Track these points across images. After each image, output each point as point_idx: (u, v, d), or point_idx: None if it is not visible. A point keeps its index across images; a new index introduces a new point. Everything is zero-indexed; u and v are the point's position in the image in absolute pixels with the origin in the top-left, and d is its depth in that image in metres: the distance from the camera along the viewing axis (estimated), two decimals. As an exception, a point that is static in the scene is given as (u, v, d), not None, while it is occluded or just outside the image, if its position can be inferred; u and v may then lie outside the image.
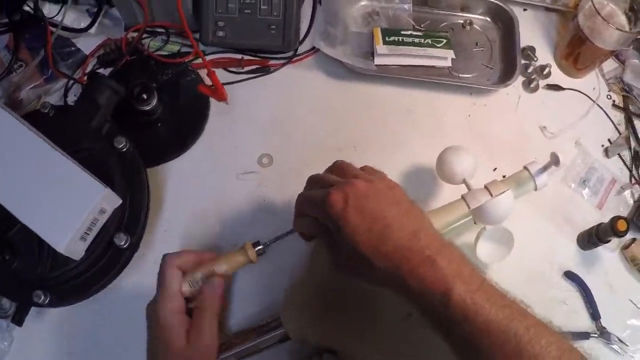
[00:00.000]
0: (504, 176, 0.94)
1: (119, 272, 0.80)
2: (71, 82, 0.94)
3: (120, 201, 0.78)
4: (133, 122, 0.91)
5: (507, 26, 1.02)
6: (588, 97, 1.02)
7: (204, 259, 0.72)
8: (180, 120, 0.94)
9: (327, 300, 0.70)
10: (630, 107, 1.02)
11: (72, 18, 0.95)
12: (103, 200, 0.75)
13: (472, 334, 0.51)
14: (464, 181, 0.79)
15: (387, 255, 0.53)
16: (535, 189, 0.80)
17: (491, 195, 0.74)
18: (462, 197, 0.76)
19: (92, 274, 0.78)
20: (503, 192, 0.74)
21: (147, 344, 0.67)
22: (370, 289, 0.64)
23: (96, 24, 0.96)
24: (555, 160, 0.75)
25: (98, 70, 0.96)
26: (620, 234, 0.86)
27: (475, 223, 0.80)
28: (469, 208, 0.75)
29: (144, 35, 0.97)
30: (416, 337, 0.65)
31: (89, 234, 0.75)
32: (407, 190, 0.89)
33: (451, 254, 0.54)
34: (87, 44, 0.98)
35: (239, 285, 0.84)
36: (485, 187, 0.76)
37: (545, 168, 0.78)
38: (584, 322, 0.90)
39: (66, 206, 0.73)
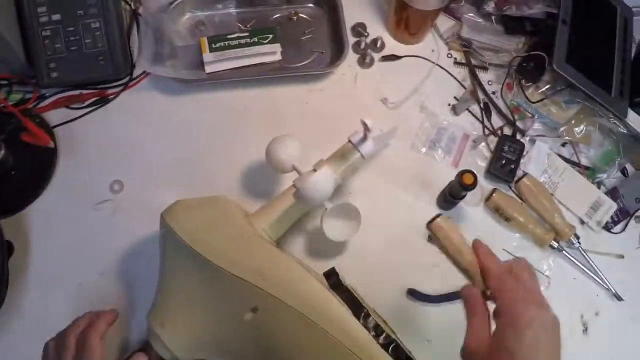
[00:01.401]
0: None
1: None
2: None
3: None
4: (-14, 176, 0.93)
5: (331, 8, 1.03)
6: (428, 60, 1.03)
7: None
8: (31, 165, 0.95)
9: (182, 313, 0.71)
10: (473, 61, 1.03)
11: None
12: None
13: None
14: (294, 167, 0.79)
15: None
16: (363, 158, 0.81)
17: None
18: (293, 183, 0.76)
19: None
20: (316, 171, 0.75)
21: None
22: (220, 287, 0.67)
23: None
24: (365, 126, 0.76)
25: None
26: (469, 188, 0.86)
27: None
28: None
29: (-13, 90, 1.00)
30: (267, 331, 0.66)
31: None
32: (253, 187, 0.93)
33: None
34: None
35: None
36: (313, 168, 0.76)
37: (364, 137, 0.79)
38: (459, 281, 0.90)
39: None
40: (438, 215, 0.90)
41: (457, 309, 0.87)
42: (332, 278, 0.74)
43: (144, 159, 0.96)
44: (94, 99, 0.99)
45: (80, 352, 0.69)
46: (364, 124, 0.76)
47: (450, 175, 0.93)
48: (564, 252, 0.93)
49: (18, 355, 0.84)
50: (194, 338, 0.70)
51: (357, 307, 0.69)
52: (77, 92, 0.99)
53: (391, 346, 0.66)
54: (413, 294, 0.88)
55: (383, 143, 0.95)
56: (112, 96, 1.00)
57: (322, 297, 0.67)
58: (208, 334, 0.70)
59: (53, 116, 0.99)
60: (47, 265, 0.90)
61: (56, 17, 0.96)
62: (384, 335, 0.67)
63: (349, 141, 0.82)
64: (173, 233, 0.70)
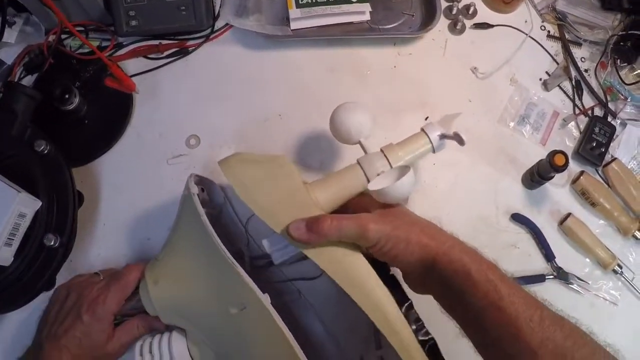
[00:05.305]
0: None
1: (55, 271, 0.80)
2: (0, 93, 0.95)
3: (40, 203, 0.78)
4: (60, 124, 0.91)
5: (424, -30, 0.98)
6: (520, 31, 0.98)
7: None
8: (105, 115, 0.93)
9: (178, 279, 0.70)
10: (567, 36, 0.99)
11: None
12: (19, 204, 0.75)
13: None
14: (360, 144, 0.73)
15: None
16: (434, 151, 0.73)
17: (387, 160, 0.68)
18: (358, 161, 0.70)
19: (29, 277, 0.79)
20: (405, 174, 0.64)
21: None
22: (221, 275, 0.65)
23: (16, 33, 0.97)
24: (458, 138, 0.70)
25: (24, 78, 0.97)
26: (559, 169, 0.83)
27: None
28: (368, 181, 0.69)
29: (65, 36, 0.97)
30: (245, 330, 0.65)
31: (12, 239, 0.75)
32: (328, 151, 0.90)
33: None
34: (10, 54, 0.98)
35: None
36: (382, 150, 0.70)
37: (443, 135, 0.71)
38: (538, 265, 0.88)
39: (-15, 216, 0.75)
40: (569, 215, 0.89)
41: (534, 292, 0.86)
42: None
43: (223, 114, 0.93)
44: (173, 50, 0.97)
45: (115, 275, 0.75)
46: (458, 136, 0.69)
47: (537, 154, 0.90)
48: (650, 242, 0.89)
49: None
50: (180, 305, 0.70)
51: (402, 296, 0.66)
52: (156, 42, 0.97)
53: (429, 344, 0.62)
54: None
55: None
56: (192, 48, 0.97)
57: (367, 275, 0.62)
58: (193, 307, 0.69)
59: (130, 65, 0.97)
60: (116, 218, 0.89)
61: (138, -37, 0.93)
62: (424, 331, 0.64)
63: (423, 130, 0.72)
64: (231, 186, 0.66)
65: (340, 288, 0.61)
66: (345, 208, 0.67)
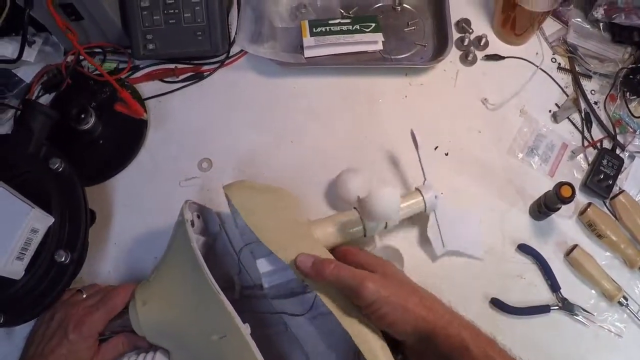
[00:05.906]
0: (446, 154, 0.93)
1: (65, 287, 0.81)
2: (18, 111, 0.97)
3: (52, 219, 0.79)
4: (76, 143, 0.93)
5: (437, 1, 1.00)
6: (531, 63, 0.99)
7: None
8: (120, 136, 0.95)
9: (166, 301, 0.72)
10: (577, 68, 0.99)
11: (12, 49, 0.97)
12: (32, 220, 0.77)
13: None
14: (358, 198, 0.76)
15: None
16: (425, 210, 0.79)
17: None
18: (354, 207, 0.75)
19: (39, 291, 0.80)
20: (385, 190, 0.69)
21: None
22: (205, 302, 0.66)
23: (36, 52, 0.99)
24: (413, 137, 0.75)
25: (42, 96, 0.99)
26: (566, 201, 0.83)
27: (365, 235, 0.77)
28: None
29: (83, 57, 0.99)
30: (225, 358, 0.66)
31: (24, 254, 0.77)
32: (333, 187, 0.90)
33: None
34: (29, 73, 1.00)
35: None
36: None
37: (424, 181, 0.79)
38: (544, 295, 0.88)
39: (-1, 230, 0.76)
40: (575, 246, 0.89)
41: (539, 322, 0.87)
42: None
43: (235, 139, 0.95)
44: (188, 74, 0.99)
45: (105, 295, 0.76)
46: (413, 136, 0.77)
47: (545, 185, 0.90)
48: (656, 276, 0.89)
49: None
50: (166, 327, 0.72)
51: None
52: (172, 66, 0.99)
53: None
54: (496, 303, 0.86)
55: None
56: (207, 73, 0.99)
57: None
58: (179, 330, 0.71)
59: (145, 88, 0.99)
60: (127, 238, 0.90)
61: (156, -12, 0.95)
62: None
63: (417, 190, 0.79)
64: (233, 210, 0.70)
65: (329, 326, 0.62)
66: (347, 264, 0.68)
